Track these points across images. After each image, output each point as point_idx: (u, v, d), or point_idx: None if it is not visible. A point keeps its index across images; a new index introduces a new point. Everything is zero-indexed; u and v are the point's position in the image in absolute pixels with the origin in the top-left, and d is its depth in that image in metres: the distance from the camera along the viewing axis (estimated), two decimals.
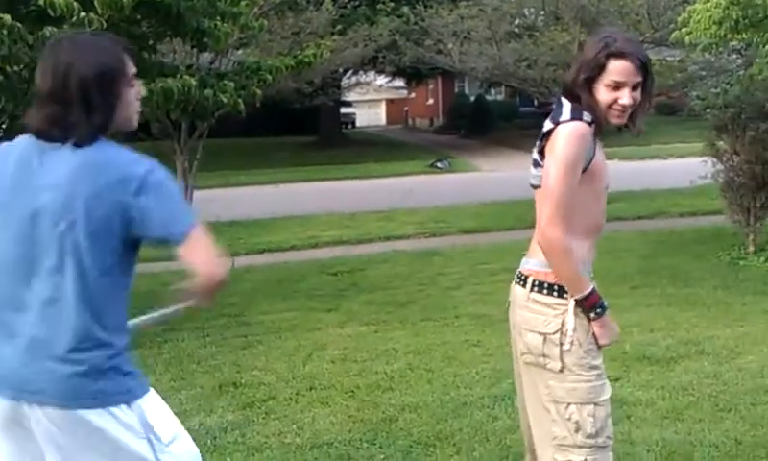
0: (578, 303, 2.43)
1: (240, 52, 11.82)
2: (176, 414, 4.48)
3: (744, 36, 8.42)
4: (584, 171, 2.43)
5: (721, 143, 8.42)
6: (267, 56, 11.51)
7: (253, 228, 12.31)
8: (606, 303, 2.47)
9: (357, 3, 23.72)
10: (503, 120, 33.14)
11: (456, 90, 39.03)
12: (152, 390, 2.11)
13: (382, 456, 3.83)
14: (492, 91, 36.43)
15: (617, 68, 2.41)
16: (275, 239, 11.13)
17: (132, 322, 2.16)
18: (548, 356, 2.46)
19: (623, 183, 14.41)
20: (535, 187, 2.54)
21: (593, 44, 2.49)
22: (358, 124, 46.35)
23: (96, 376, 1.96)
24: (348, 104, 39.45)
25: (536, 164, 2.54)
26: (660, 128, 25.82)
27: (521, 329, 2.53)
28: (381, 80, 38.07)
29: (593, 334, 2.45)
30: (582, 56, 2.53)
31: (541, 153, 2.49)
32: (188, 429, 4.28)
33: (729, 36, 8.21)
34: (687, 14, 8.38)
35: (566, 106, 2.46)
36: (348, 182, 19.58)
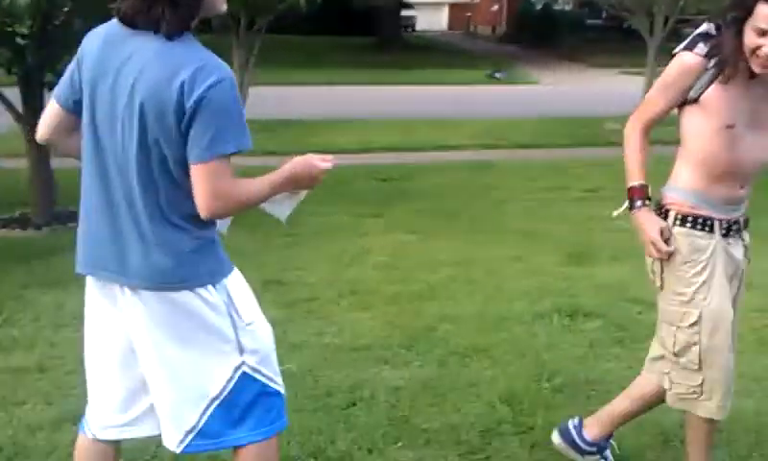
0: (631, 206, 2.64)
1: None
2: None
3: None
4: (694, 102, 2.51)
5: None
6: None
7: (306, 128, 12.29)
8: (640, 204, 2.61)
9: None
10: (569, 32, 32.08)
11: None
12: (236, 270, 2.19)
13: (418, 363, 3.88)
14: (560, 1, 35.25)
15: (764, 14, 2.34)
16: (326, 141, 11.09)
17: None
18: (654, 272, 2.67)
19: None
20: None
21: None
22: (418, 28, 45.38)
23: (181, 259, 2.05)
24: (410, 6, 38.59)
25: None
26: None
27: None
28: None
29: (683, 262, 2.56)
30: None
31: None
32: None
33: None
34: None
35: (693, 35, 2.52)
36: (404, 88, 19.31)
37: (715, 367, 2.57)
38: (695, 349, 2.57)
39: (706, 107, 2.50)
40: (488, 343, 4.12)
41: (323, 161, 2.23)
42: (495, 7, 41.42)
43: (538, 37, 31.64)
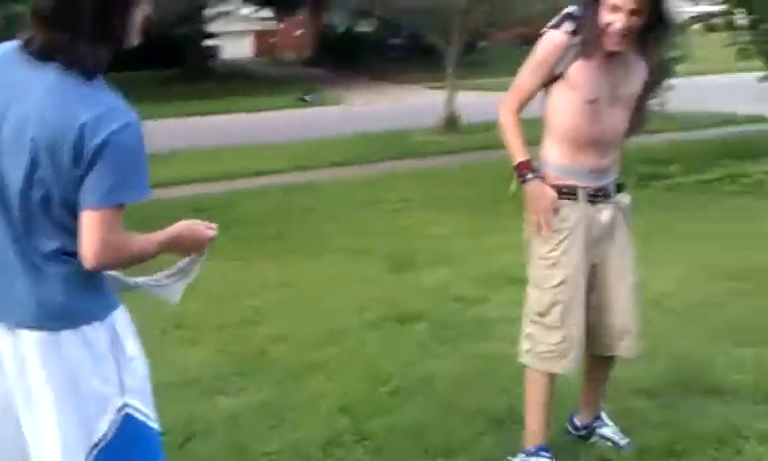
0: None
1: None
2: None
3: None
4: (560, 78, 2.66)
5: None
6: None
7: None
8: (531, 176, 2.74)
9: None
10: (373, 52, 32.98)
11: (325, 22, 38.46)
12: (122, 306, 2.03)
13: (253, 388, 3.81)
14: (361, 23, 36.14)
15: None
16: None
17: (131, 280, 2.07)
18: (527, 239, 2.86)
19: (491, 114, 14.80)
20: None
21: None
22: (224, 56, 44.89)
23: (65, 295, 1.89)
24: (213, 35, 38.06)
25: None
26: (523, 59, 26.53)
27: None
28: (247, 9, 36.91)
29: (547, 225, 2.73)
30: None
31: None
32: None
33: None
34: None
35: (561, 15, 2.67)
36: (215, 118, 19.03)
37: (572, 325, 2.77)
38: (558, 308, 2.75)
39: (571, 82, 2.66)
40: (322, 358, 4.11)
41: (208, 229, 2.14)
42: (299, 32, 41.85)
43: (342, 59, 32.30)
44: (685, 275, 5.19)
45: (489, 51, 30.09)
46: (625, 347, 2.89)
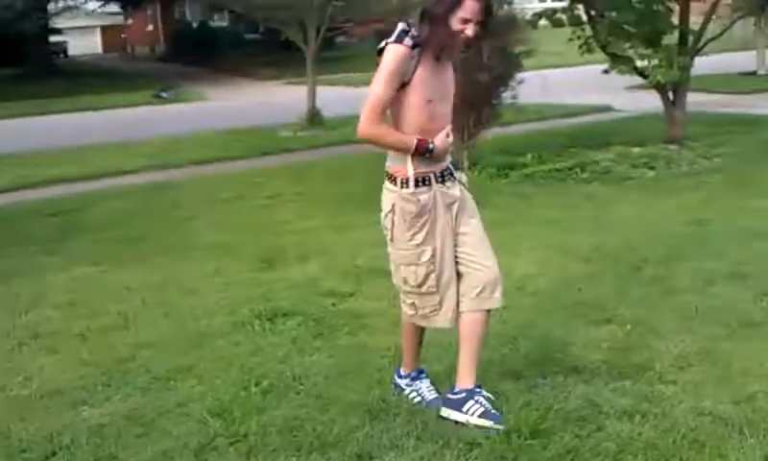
0: (413, 156, 3.09)
1: None
2: None
3: None
4: (406, 85, 3.03)
5: None
6: None
7: None
8: (432, 146, 3.09)
9: None
10: (229, 47, 32.40)
11: (177, 16, 37.46)
12: None
13: (119, 397, 3.67)
14: (216, 17, 35.45)
15: (471, 6, 3.00)
16: None
17: None
18: (386, 228, 3.22)
19: (350, 108, 14.88)
20: None
21: None
22: (71, 53, 42.85)
23: None
24: (58, 31, 36.23)
25: None
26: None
27: None
28: (93, 4, 35.35)
29: (413, 215, 3.12)
30: None
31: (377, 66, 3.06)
32: None
33: None
34: None
35: (398, 29, 3.03)
36: (64, 117, 18.14)
37: (446, 287, 3.20)
38: (432, 276, 3.18)
39: (414, 86, 3.05)
40: (191, 362, 4.02)
41: None
42: (151, 26, 40.51)
43: (198, 55, 31.57)
44: (544, 258, 5.44)
45: (348, 46, 30.29)
46: (497, 298, 3.27)
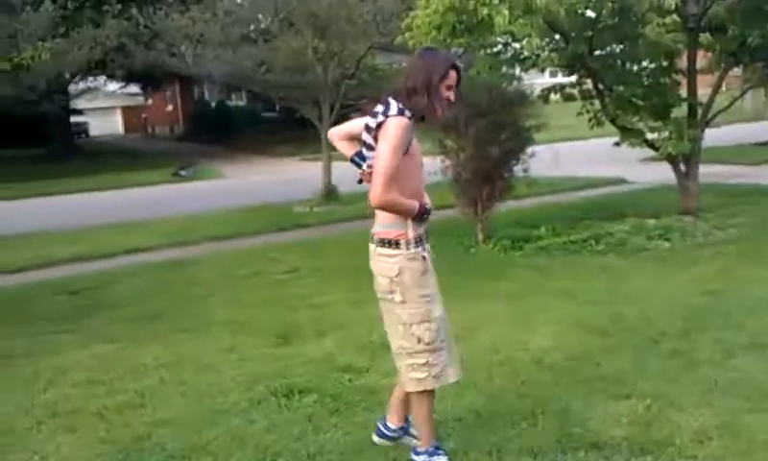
0: (415, 219, 3.28)
1: None
2: None
3: (462, 40, 9.13)
4: (406, 152, 3.20)
5: (449, 141, 9.05)
6: None
7: None
8: (429, 207, 3.34)
9: (80, 4, 22.31)
10: (247, 126, 33.00)
11: (196, 97, 38.28)
12: None
13: None
14: (234, 96, 36.19)
15: (453, 76, 3.31)
16: (1, 261, 10.20)
17: None
18: (393, 292, 3.31)
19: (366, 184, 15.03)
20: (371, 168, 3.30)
21: (438, 60, 3.31)
22: (92, 133, 43.80)
23: None
24: (80, 112, 37.11)
25: (370, 148, 3.30)
26: None
27: (375, 274, 3.39)
28: (113, 85, 36.21)
29: (421, 272, 3.29)
30: (425, 70, 3.27)
31: (375, 139, 3.23)
32: None
33: (448, 40, 8.85)
34: (410, 20, 8.91)
35: (393, 104, 3.22)
36: (85, 196, 18.45)
37: (448, 341, 3.40)
38: (442, 330, 3.36)
39: (411, 154, 3.26)
40: (206, 440, 4.01)
41: None
42: (170, 107, 41.38)
43: (216, 133, 32.15)
44: (560, 332, 5.42)
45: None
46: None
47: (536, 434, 3.74)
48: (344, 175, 14.27)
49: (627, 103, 9.61)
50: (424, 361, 3.32)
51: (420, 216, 3.30)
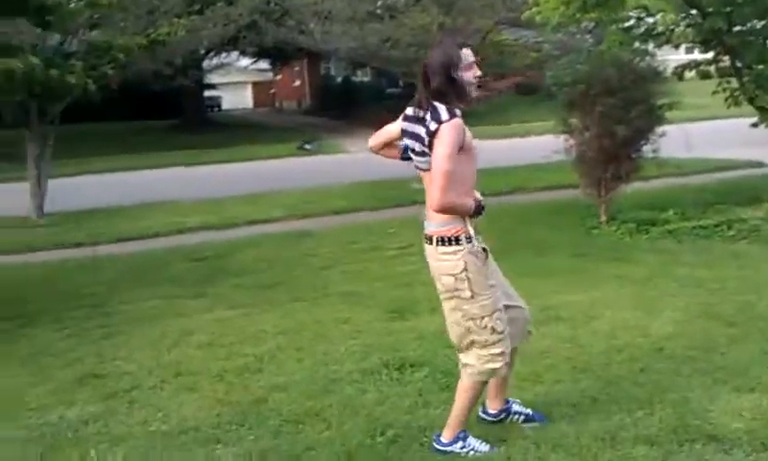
0: (472, 215, 3.33)
1: (94, 33, 11.31)
2: (34, 409, 4.29)
3: (592, 14, 8.84)
4: (461, 149, 3.23)
5: (573, 119, 8.81)
6: (121, 36, 11.03)
7: (115, 216, 11.85)
8: (483, 203, 3.39)
9: None
10: (371, 101, 33.28)
11: (322, 72, 38.92)
12: None
13: (252, 437, 3.79)
14: (359, 73, 36.56)
15: (467, 53, 3.33)
16: (137, 227, 10.77)
17: None
18: (460, 289, 3.32)
19: (485, 161, 14.88)
20: (423, 170, 3.36)
21: (446, 50, 3.31)
22: (224, 107, 45.41)
23: None
24: (213, 86, 38.52)
25: (423, 154, 3.31)
26: (518, 107, 26.79)
27: (437, 275, 3.39)
28: (245, 61, 37.36)
29: (482, 264, 3.32)
30: (440, 67, 3.28)
31: (430, 146, 3.24)
32: (47, 423, 4.12)
33: (578, 15, 8.59)
34: None
35: (442, 108, 3.23)
36: (214, 167, 19.17)
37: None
38: (505, 318, 3.39)
39: (467, 149, 3.28)
40: (320, 406, 4.10)
41: None
42: (298, 82, 42.29)
43: (342, 108, 32.59)
44: (684, 319, 5.19)
45: (485, 100, 30.39)
46: (528, 331, 3.63)
47: (652, 423, 3.61)
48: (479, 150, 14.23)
49: (767, 81, 9.05)
50: (500, 351, 3.37)
51: (477, 213, 3.36)
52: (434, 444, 3.50)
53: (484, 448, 3.46)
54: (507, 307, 3.46)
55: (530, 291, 5.99)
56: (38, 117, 11.48)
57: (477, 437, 3.50)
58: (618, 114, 8.43)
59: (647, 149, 8.76)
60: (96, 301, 6.76)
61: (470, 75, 3.33)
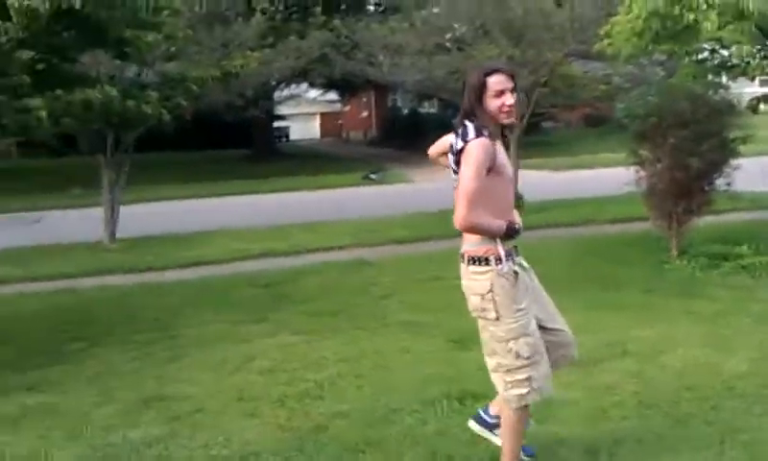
0: (503, 237, 3.29)
1: (169, 65, 11.65)
2: (99, 429, 4.37)
3: (665, 47, 8.68)
4: (491, 170, 3.23)
5: (643, 151, 8.63)
6: (195, 67, 11.32)
7: (183, 242, 12.10)
8: (517, 226, 3.36)
9: (287, 16, 23.57)
10: (436, 132, 33.22)
11: (389, 104, 39.23)
12: None
13: None
14: (426, 104, 36.71)
15: (494, 81, 3.29)
16: (204, 253, 10.95)
17: None
18: (486, 309, 3.30)
19: (553, 192, 14.73)
20: (455, 188, 3.33)
21: (472, 74, 3.34)
22: (292, 137, 46.13)
23: None
24: (282, 117, 39.21)
25: (454, 172, 3.32)
26: (588, 138, 26.46)
27: (467, 294, 3.38)
28: (314, 92, 37.93)
29: (512, 287, 3.28)
30: (468, 89, 3.31)
31: (457, 163, 3.26)
32: (111, 444, 4.19)
33: (650, 47, 8.45)
34: (610, 26, 8.60)
35: (470, 127, 3.24)
36: (281, 195, 19.43)
37: (544, 351, 3.37)
38: (537, 344, 3.33)
39: (498, 170, 3.28)
40: (380, 436, 4.07)
41: None
42: (365, 113, 42.72)
43: (407, 139, 32.72)
44: (759, 357, 4.99)
45: (554, 131, 30.17)
46: (572, 355, 3.55)
47: None
48: (529, 184, 14.13)
49: None
50: (526, 376, 3.31)
51: (508, 235, 3.32)
52: None
53: None
54: (547, 330, 3.41)
55: (597, 325, 5.90)
56: (114, 145, 11.84)
57: None
58: (690, 147, 8.23)
59: (720, 182, 8.52)
60: (161, 324, 6.88)
61: (497, 103, 3.29)
